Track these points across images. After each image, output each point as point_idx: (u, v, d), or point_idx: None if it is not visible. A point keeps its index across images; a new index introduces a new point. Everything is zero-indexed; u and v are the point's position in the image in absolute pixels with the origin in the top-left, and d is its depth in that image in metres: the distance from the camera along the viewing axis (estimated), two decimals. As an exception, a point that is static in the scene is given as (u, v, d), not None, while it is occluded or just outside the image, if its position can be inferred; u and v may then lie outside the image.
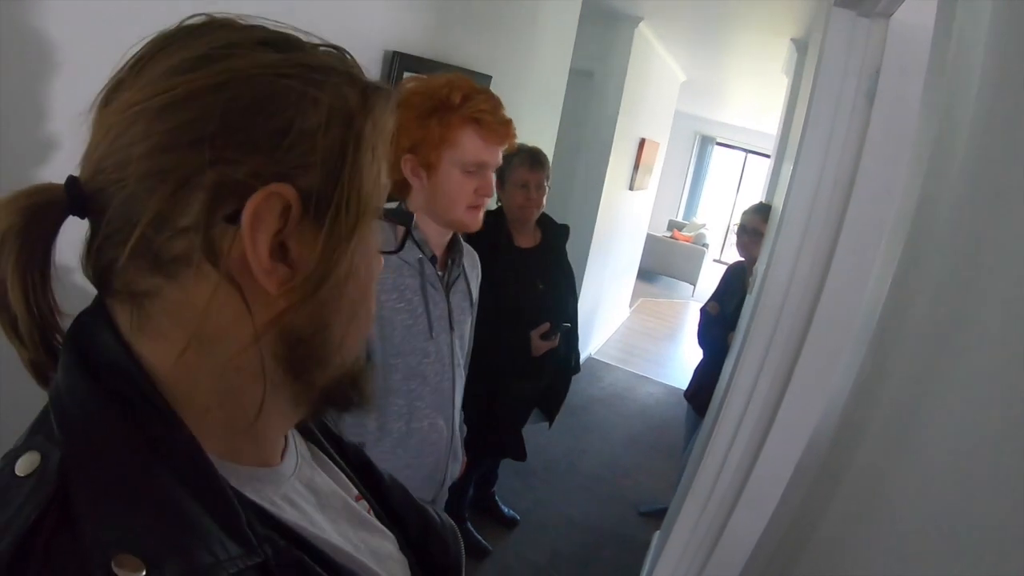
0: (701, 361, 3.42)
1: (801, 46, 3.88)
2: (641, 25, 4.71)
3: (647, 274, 9.77)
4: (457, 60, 2.23)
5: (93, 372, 0.46)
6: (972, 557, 0.55)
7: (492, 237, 2.57)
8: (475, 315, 1.73)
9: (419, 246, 1.49)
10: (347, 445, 0.76)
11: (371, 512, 0.71)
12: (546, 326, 2.56)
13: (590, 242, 5.12)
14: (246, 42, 0.48)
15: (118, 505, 0.42)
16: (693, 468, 2.26)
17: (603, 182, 5.01)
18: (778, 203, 2.15)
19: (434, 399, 1.54)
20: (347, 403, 0.60)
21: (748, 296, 2.44)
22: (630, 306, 8.23)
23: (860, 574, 0.75)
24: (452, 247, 1.60)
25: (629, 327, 7.65)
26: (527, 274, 2.62)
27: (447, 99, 1.40)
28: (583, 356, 5.79)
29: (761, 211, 3.04)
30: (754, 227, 3.02)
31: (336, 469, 0.71)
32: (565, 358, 2.85)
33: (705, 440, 2.16)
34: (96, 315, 0.50)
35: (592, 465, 4.19)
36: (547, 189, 2.60)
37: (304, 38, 0.52)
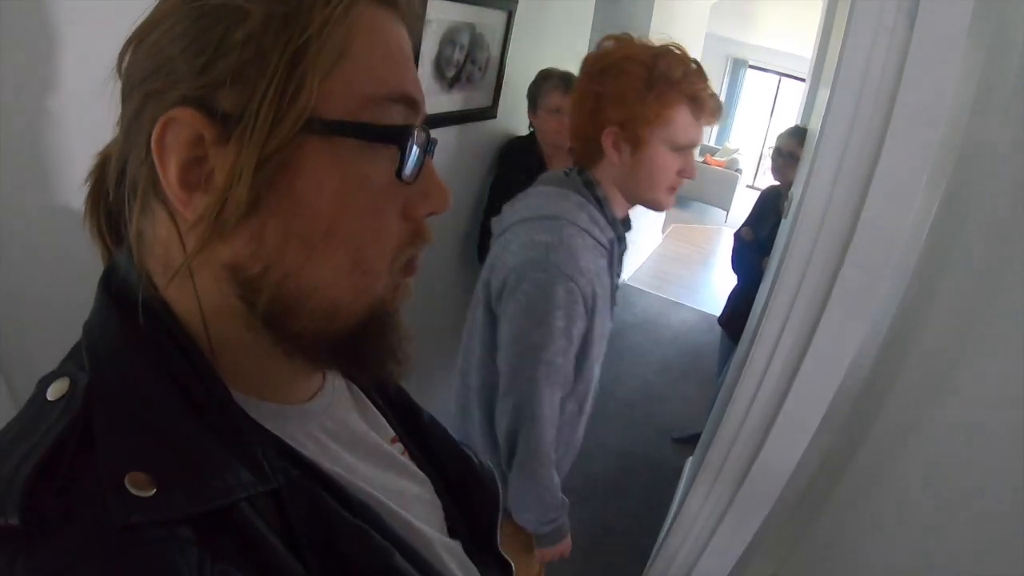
0: (735, 287, 3.40)
1: (839, -36, 3.71)
2: (673, -58, 4.52)
3: (679, 200, 9.52)
4: (477, -12, 2.17)
5: (122, 308, 0.49)
6: (1006, 474, 0.54)
7: (528, 163, 2.54)
8: None
9: (612, 225, 1.43)
10: (393, 388, 0.76)
11: (407, 454, 0.71)
12: None
13: (622, 166, 5.02)
14: None
15: (135, 430, 0.44)
16: (727, 395, 2.26)
17: (634, 105, 4.87)
18: (814, 127, 2.09)
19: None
20: (367, 364, 0.57)
21: (783, 221, 2.40)
22: (663, 232, 8.15)
23: (897, 499, 0.75)
24: (625, 223, 1.53)
25: (662, 253, 7.60)
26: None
27: (667, 72, 1.31)
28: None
29: (797, 135, 2.97)
30: (790, 150, 2.96)
31: (376, 412, 0.71)
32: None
33: (739, 367, 2.15)
34: (127, 257, 0.52)
35: (626, 391, 4.22)
36: None
37: None
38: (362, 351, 0.55)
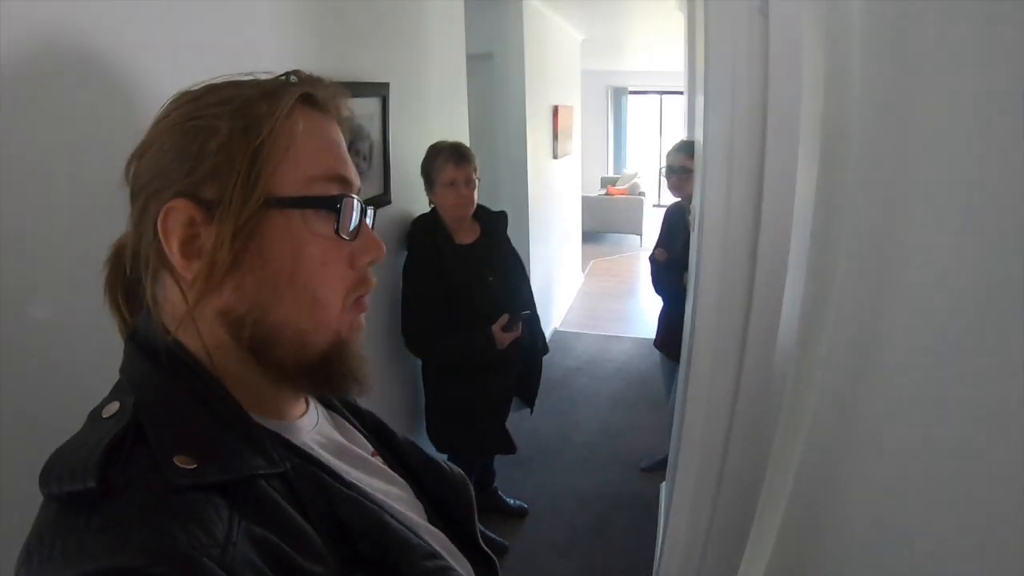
0: (662, 308, 3.45)
1: (689, -21, 3.91)
2: (528, -3, 4.70)
3: (592, 236, 9.82)
4: (352, 75, 2.19)
5: (147, 354, 0.65)
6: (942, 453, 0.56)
7: (433, 240, 2.55)
8: None
9: None
10: (365, 412, 0.92)
11: (386, 464, 0.85)
12: (505, 318, 2.54)
13: (527, 220, 5.11)
14: (179, 103, 0.66)
15: (176, 430, 0.60)
16: (681, 412, 2.28)
17: (526, 158, 5.00)
18: (699, 136, 2.16)
19: None
20: (335, 385, 0.72)
21: (692, 234, 2.46)
22: (583, 271, 8.27)
23: (846, 493, 0.77)
24: None
25: (586, 292, 7.70)
26: (476, 270, 2.60)
27: None
28: (548, 331, 5.82)
29: (684, 148, 3.06)
30: (681, 165, 3.04)
31: (354, 430, 0.86)
32: (531, 343, 2.84)
33: (685, 382, 2.19)
34: (146, 319, 0.68)
35: (585, 435, 4.22)
36: (477, 182, 2.57)
37: (252, 77, 0.69)
38: (330, 374, 0.70)
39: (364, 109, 2.29)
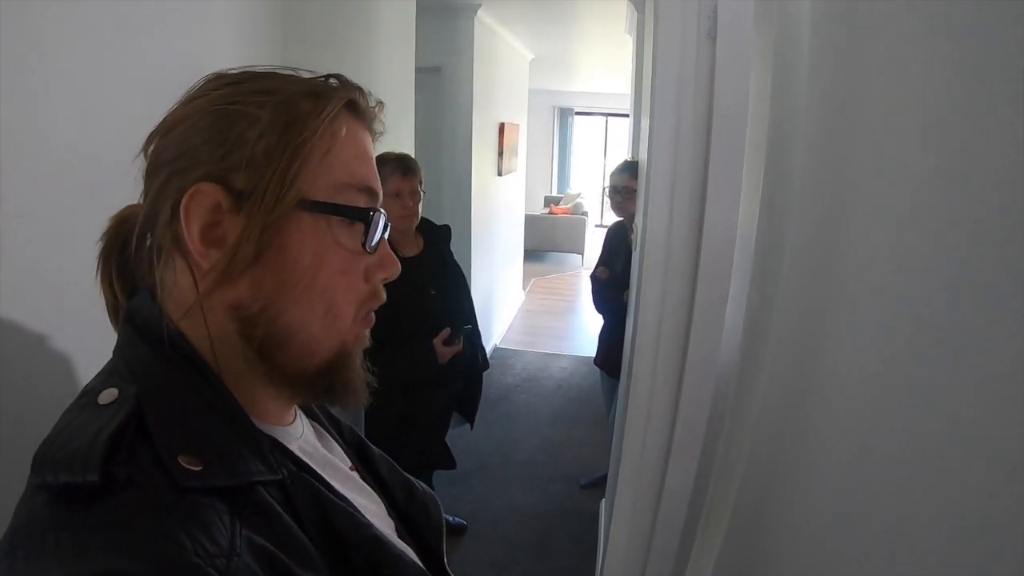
0: (603, 326, 3.47)
1: (640, 3, 3.97)
2: (480, 12, 4.73)
3: (534, 254, 9.87)
4: (297, 82, 2.16)
5: (147, 339, 0.62)
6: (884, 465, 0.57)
7: (375, 251, 2.51)
8: None
9: None
10: (344, 425, 0.90)
11: (361, 478, 0.83)
12: (447, 332, 2.52)
13: (470, 236, 5.11)
14: (216, 84, 0.65)
15: (179, 428, 0.57)
16: (620, 429, 2.29)
17: (471, 174, 5.00)
18: (643, 156, 2.18)
19: None
20: (334, 395, 0.70)
21: (634, 252, 2.48)
22: (524, 289, 8.29)
23: (789, 496, 0.77)
24: None
25: (528, 309, 7.71)
26: (418, 283, 2.57)
27: None
28: (489, 348, 5.80)
29: (628, 168, 3.10)
30: (624, 185, 3.07)
31: (334, 443, 0.84)
32: (472, 358, 2.82)
33: (625, 399, 2.20)
34: (146, 301, 0.65)
35: (525, 451, 4.21)
36: (422, 195, 2.55)
37: (293, 72, 0.68)
38: (331, 383, 0.69)
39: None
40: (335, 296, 0.66)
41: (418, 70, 3.40)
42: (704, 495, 1.11)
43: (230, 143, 0.61)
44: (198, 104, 0.64)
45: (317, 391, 0.70)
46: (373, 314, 0.73)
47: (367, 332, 0.73)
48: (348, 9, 2.54)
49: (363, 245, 0.67)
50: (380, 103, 0.73)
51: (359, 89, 0.71)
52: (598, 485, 3.67)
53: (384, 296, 0.72)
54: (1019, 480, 0.41)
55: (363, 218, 0.66)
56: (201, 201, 0.60)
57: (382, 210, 0.70)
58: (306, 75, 0.68)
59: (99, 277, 0.70)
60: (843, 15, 0.67)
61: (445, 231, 2.77)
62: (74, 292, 1.07)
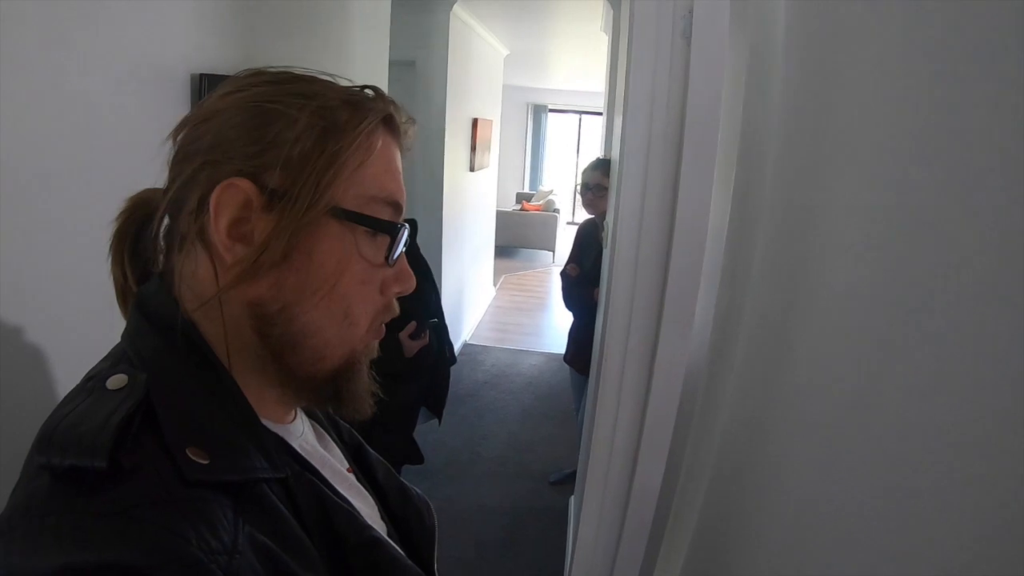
0: (573, 323, 3.48)
1: (615, 1, 3.97)
2: (456, 7, 4.70)
3: (505, 250, 9.86)
4: (267, 73, 2.13)
5: (160, 329, 0.62)
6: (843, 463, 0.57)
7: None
8: None
9: None
10: (343, 427, 0.91)
11: (358, 480, 0.84)
12: (412, 325, 2.50)
13: (441, 231, 5.09)
14: (256, 81, 0.65)
15: (188, 419, 0.57)
16: (589, 426, 2.29)
17: (443, 169, 4.98)
18: (616, 155, 2.19)
19: None
20: (339, 402, 0.70)
21: (604, 250, 2.49)
22: (495, 285, 8.28)
23: (756, 498, 0.77)
24: None
25: (498, 306, 7.71)
26: (384, 276, 2.56)
27: None
28: (457, 345, 5.80)
29: (600, 166, 3.10)
30: (596, 182, 3.08)
31: (332, 444, 0.84)
32: (439, 352, 2.81)
33: (594, 397, 2.20)
34: (157, 288, 0.66)
35: (493, 448, 4.20)
36: None
37: (331, 79, 0.68)
38: (338, 390, 0.69)
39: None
40: (353, 304, 0.67)
41: (392, 63, 3.37)
42: (672, 494, 1.11)
43: (266, 141, 0.62)
44: (236, 98, 0.64)
45: (323, 397, 0.71)
46: (383, 326, 0.74)
47: (376, 343, 0.74)
48: (321, 2, 2.51)
49: (386, 258, 0.68)
50: (411, 119, 0.76)
51: (394, 103, 0.73)
52: (567, 482, 3.68)
53: (397, 309, 0.74)
54: (985, 482, 0.41)
55: (390, 231, 0.68)
56: (233, 195, 0.61)
57: (406, 224, 0.71)
58: (344, 83, 0.69)
59: (111, 256, 0.70)
60: (818, 17, 0.67)
61: (412, 225, 2.75)
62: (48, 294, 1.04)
